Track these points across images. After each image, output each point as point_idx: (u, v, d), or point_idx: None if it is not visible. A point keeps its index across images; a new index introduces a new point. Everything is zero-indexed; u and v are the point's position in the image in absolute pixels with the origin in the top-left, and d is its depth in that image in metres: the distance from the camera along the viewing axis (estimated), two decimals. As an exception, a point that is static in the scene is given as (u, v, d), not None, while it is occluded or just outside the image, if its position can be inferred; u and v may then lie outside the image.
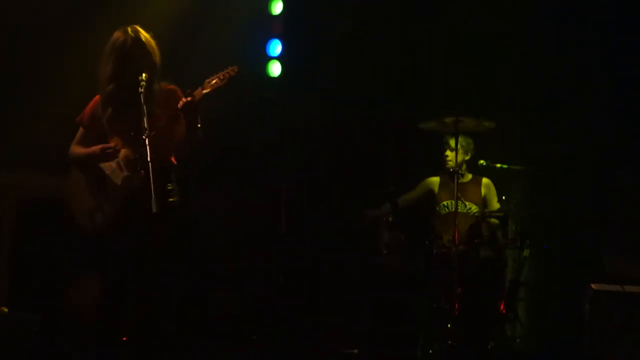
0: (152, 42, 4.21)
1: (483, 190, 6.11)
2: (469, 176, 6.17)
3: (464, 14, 6.72)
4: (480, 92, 6.59)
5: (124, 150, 4.17)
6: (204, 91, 4.12)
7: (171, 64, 4.40)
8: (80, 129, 4.36)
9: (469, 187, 6.10)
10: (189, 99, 4.09)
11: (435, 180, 6.23)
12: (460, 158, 5.97)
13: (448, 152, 6.01)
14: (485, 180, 6.13)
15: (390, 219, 5.73)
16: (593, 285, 5.36)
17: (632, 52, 6.15)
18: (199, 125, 4.16)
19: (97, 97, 4.30)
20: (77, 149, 4.33)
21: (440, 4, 6.86)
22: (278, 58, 7.02)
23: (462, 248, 5.59)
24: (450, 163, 5.95)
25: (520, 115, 6.63)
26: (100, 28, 4.67)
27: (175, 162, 4.30)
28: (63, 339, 5.53)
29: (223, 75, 4.15)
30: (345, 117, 6.98)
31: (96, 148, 4.20)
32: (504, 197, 5.83)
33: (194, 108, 4.11)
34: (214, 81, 4.14)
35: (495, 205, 5.97)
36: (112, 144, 4.18)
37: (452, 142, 5.89)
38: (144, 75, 4.05)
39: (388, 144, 6.94)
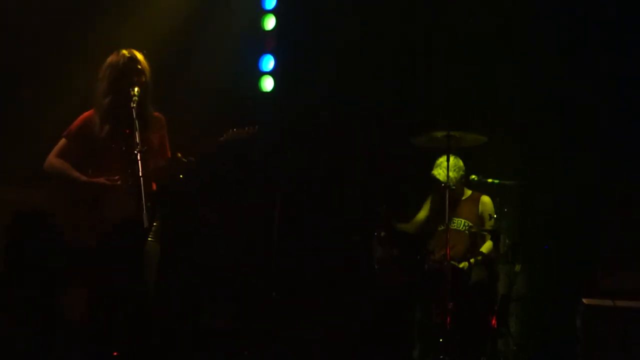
0: (145, 63, 4.33)
1: (480, 208, 6.04)
2: (468, 193, 6.13)
3: (462, 16, 6.75)
4: (476, 100, 6.62)
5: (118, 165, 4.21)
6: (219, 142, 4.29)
7: (164, 79, 4.44)
8: (63, 141, 4.39)
9: (465, 204, 6.07)
10: (187, 160, 4.20)
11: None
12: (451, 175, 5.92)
13: (434, 172, 5.95)
14: (483, 198, 6.05)
15: (382, 234, 5.73)
16: (585, 300, 5.37)
17: (632, 52, 6.17)
18: (180, 177, 4.28)
19: (86, 113, 4.37)
20: (62, 166, 4.33)
21: (438, 7, 6.89)
22: (270, 73, 7.04)
23: (454, 263, 5.59)
24: (445, 180, 5.85)
25: (521, 123, 6.63)
26: (92, 48, 4.72)
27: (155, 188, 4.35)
28: (55, 350, 5.52)
29: (244, 133, 4.30)
30: (338, 131, 6.99)
31: (100, 181, 4.24)
32: (495, 216, 5.82)
33: (185, 168, 4.24)
34: (234, 134, 4.28)
35: (490, 223, 5.93)
36: (115, 177, 4.23)
37: (439, 161, 5.91)
38: (136, 89, 4.11)
39: (382, 158, 6.95)
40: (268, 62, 7.06)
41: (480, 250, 5.75)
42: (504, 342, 5.69)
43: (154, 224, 4.28)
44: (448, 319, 5.37)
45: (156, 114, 4.38)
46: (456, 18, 6.76)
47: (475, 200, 6.07)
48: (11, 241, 5.98)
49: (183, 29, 6.62)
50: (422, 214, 6.20)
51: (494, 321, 5.55)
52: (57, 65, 6.15)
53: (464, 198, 6.09)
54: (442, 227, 5.93)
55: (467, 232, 5.90)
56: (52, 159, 4.36)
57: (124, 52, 4.30)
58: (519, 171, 6.28)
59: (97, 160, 4.29)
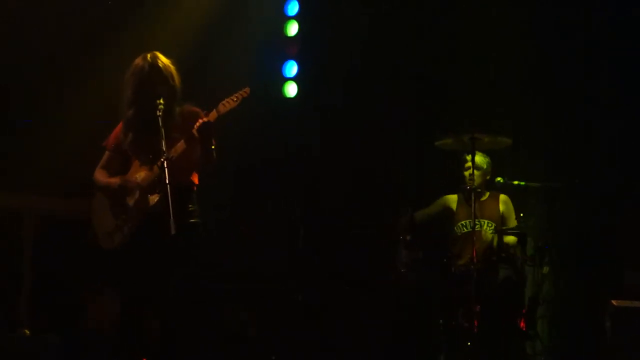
0: (171, 68, 4.31)
1: (501, 207, 6.05)
2: (487, 194, 6.13)
3: (488, 16, 6.73)
4: (497, 107, 6.58)
5: (145, 173, 4.23)
6: (218, 113, 4.20)
7: (187, 85, 4.45)
8: (106, 153, 4.46)
9: (487, 205, 6.05)
10: (205, 119, 4.16)
11: (453, 198, 6.19)
12: (480, 179, 5.93)
13: (468, 172, 5.92)
14: (503, 196, 6.08)
15: (407, 237, 5.71)
16: (614, 302, 5.31)
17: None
18: (212, 147, 4.22)
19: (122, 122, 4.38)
20: (99, 176, 4.41)
21: (453, 19, 6.88)
22: (294, 79, 7.06)
23: (481, 266, 5.56)
24: (470, 182, 5.88)
25: (540, 131, 6.59)
26: (115, 55, 4.74)
27: (197, 183, 4.36)
28: (84, 358, 5.56)
29: (236, 97, 4.24)
30: (361, 136, 6.99)
31: (116, 180, 4.29)
32: (522, 214, 5.80)
33: (210, 129, 4.18)
34: (227, 103, 4.21)
35: (513, 222, 5.93)
36: (131, 179, 4.24)
37: (468, 164, 5.90)
38: (161, 99, 4.13)
39: (404, 163, 6.94)
40: (291, 68, 7.08)
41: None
42: (532, 345, 5.65)
43: (192, 220, 4.26)
44: (475, 323, 5.35)
45: (194, 108, 4.33)
46: (481, 18, 6.75)
47: (495, 200, 6.07)
48: (39, 249, 6.06)
49: (206, 36, 6.66)
50: (430, 210, 6.19)
51: (522, 324, 5.52)
52: (74, 91, 6.21)
53: (484, 199, 6.07)
54: (467, 230, 5.93)
55: (492, 232, 5.89)
56: (96, 170, 4.44)
57: (149, 59, 4.25)
58: (544, 174, 6.24)
59: (127, 169, 4.34)
